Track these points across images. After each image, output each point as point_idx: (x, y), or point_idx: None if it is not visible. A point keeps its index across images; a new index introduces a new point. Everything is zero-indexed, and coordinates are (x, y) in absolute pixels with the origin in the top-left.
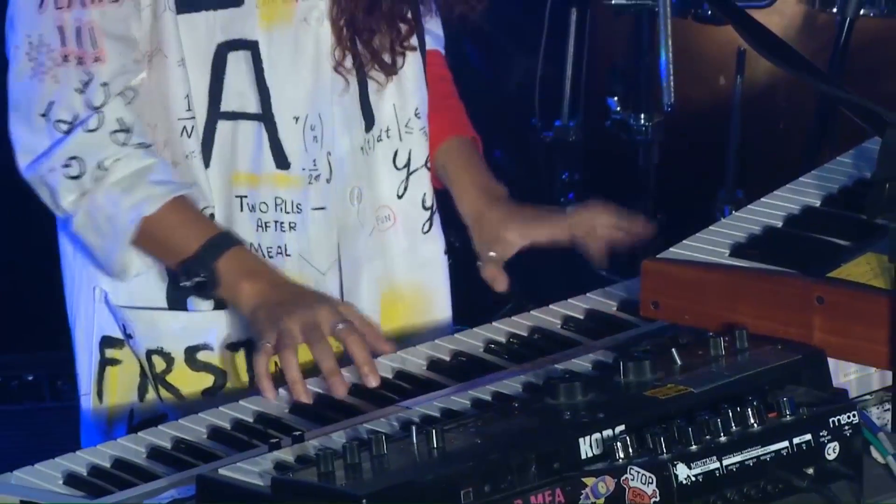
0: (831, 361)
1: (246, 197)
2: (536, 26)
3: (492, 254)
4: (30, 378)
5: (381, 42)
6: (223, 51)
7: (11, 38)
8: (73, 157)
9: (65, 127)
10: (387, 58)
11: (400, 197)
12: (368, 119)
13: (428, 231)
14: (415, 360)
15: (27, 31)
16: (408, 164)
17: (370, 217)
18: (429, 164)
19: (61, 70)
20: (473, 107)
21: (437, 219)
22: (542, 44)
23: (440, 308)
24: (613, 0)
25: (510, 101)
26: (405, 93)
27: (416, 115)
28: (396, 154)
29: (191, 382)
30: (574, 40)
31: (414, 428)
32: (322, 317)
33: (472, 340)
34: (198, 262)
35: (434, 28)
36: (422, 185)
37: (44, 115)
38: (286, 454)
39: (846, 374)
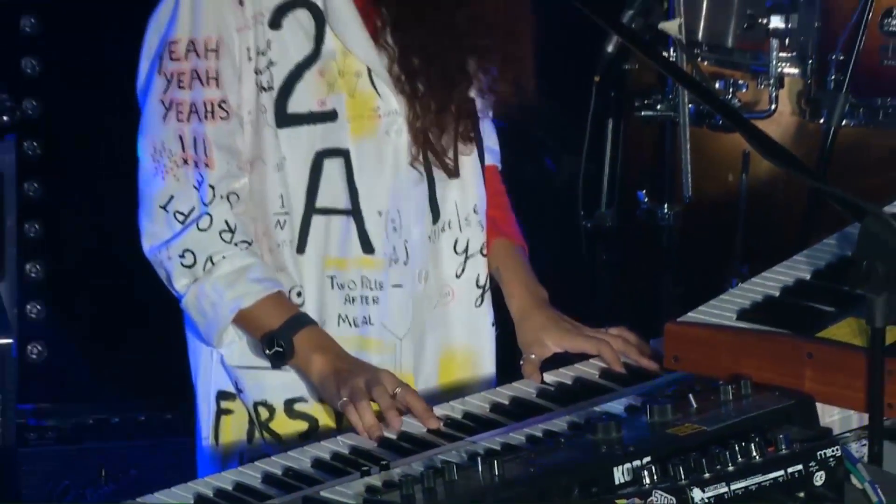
0: (819, 405)
1: (336, 277)
2: (580, 133)
3: (532, 356)
4: (168, 416)
5: (447, 143)
6: (320, 157)
7: (140, 142)
8: (188, 250)
9: (181, 218)
10: (450, 160)
11: (458, 277)
12: (435, 213)
13: (480, 305)
14: (480, 403)
15: (153, 137)
16: (466, 250)
17: (435, 293)
18: (484, 251)
19: (181, 170)
20: (528, 200)
21: (488, 296)
22: (584, 147)
23: (486, 366)
24: (643, 112)
25: (559, 194)
26: (466, 192)
27: (474, 210)
28: (457, 242)
29: (289, 428)
30: (611, 144)
31: (479, 458)
32: (382, 379)
33: (527, 388)
34: (278, 336)
35: (492, 144)
36: (476, 267)
37: (163, 207)
38: (375, 480)
39: (831, 416)
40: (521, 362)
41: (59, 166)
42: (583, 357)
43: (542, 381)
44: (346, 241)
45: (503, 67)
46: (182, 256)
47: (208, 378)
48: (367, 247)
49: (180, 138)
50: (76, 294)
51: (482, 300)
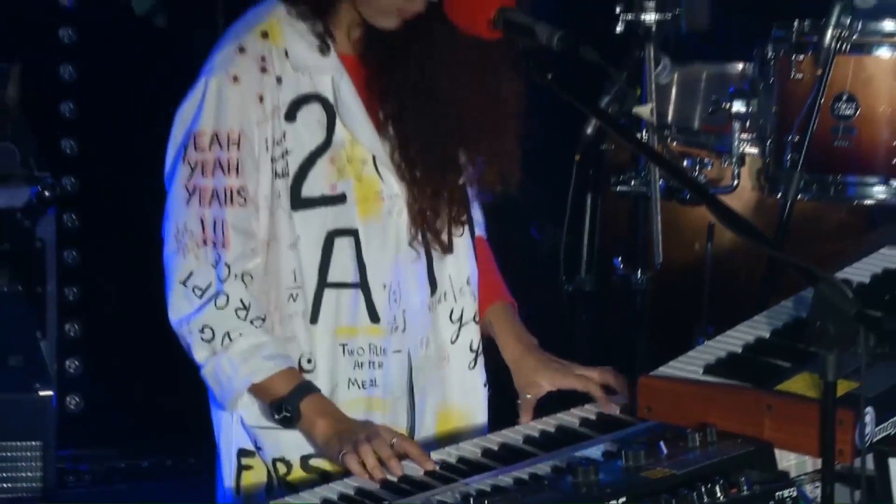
0: (777, 451)
1: (347, 344)
2: (562, 206)
3: (528, 396)
4: (192, 461)
5: (441, 224)
6: (332, 236)
7: (166, 224)
8: (207, 326)
9: (199, 293)
10: (444, 238)
11: (453, 343)
12: (433, 286)
13: (473, 368)
14: (472, 449)
15: (176, 219)
16: (460, 319)
17: (435, 357)
18: (476, 319)
19: (200, 250)
20: (515, 266)
21: (481, 359)
22: (566, 218)
23: (479, 420)
24: (618, 188)
25: (543, 260)
26: (459, 266)
27: (466, 282)
28: (452, 311)
29: (305, 481)
30: (589, 216)
31: (471, 499)
32: (381, 432)
33: (514, 435)
34: (286, 402)
35: (477, 216)
36: (469, 334)
37: (183, 283)
38: None
39: (788, 461)
40: (518, 402)
41: (95, 236)
42: (578, 399)
43: (531, 424)
44: (356, 312)
45: (490, 160)
46: (202, 331)
47: (230, 437)
48: (374, 317)
49: (201, 221)
50: (110, 351)
51: (475, 363)
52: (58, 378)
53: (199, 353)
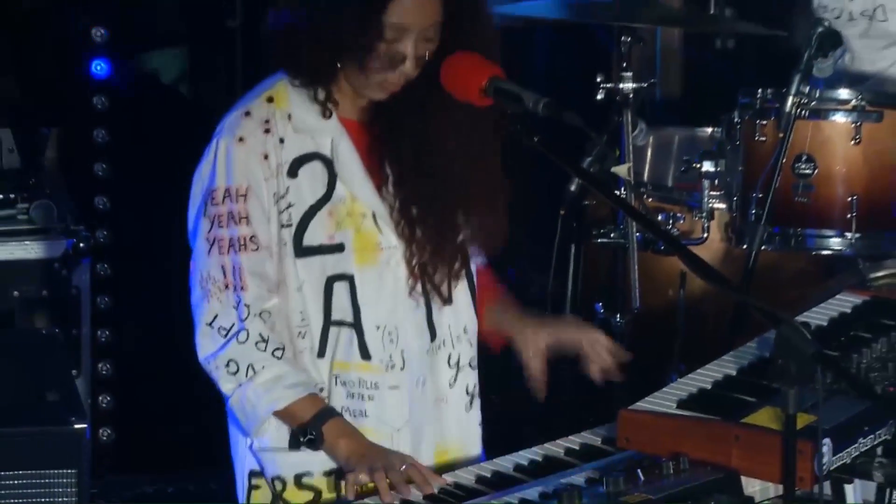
0: (743, 478)
1: (339, 376)
2: (549, 255)
3: (531, 355)
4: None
5: (440, 278)
6: (331, 281)
7: (192, 274)
8: (232, 360)
9: (224, 332)
10: (444, 290)
11: (451, 386)
12: (432, 332)
13: (469, 410)
14: (467, 476)
15: (201, 268)
16: (458, 363)
17: (432, 396)
18: (472, 364)
19: (223, 294)
20: None
21: (477, 402)
22: (552, 267)
23: (474, 454)
24: (599, 239)
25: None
26: (458, 316)
27: (464, 330)
28: (450, 357)
29: (299, 498)
30: (573, 265)
31: None
32: (395, 459)
33: (506, 463)
34: (310, 426)
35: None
36: (466, 378)
37: (209, 325)
38: None
39: (753, 487)
40: (526, 375)
41: (125, 284)
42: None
43: (520, 454)
44: (349, 349)
45: (483, 222)
46: (227, 366)
47: (243, 461)
48: (365, 354)
49: (222, 268)
50: (139, 388)
51: (471, 406)
52: (91, 412)
53: (226, 386)
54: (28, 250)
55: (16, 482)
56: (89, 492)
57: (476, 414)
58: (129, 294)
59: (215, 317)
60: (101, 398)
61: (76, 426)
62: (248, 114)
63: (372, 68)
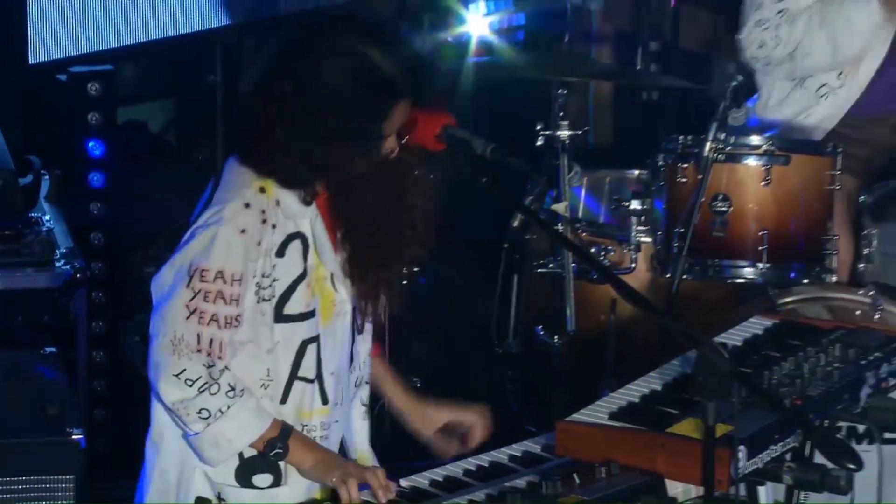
0: (667, 482)
1: (306, 425)
2: (494, 284)
3: (428, 433)
4: None
5: (368, 306)
6: (304, 344)
7: (157, 323)
8: (203, 409)
9: (191, 383)
10: (365, 323)
11: (352, 401)
12: (352, 362)
13: (364, 419)
14: (421, 480)
15: (174, 328)
16: (358, 383)
17: (347, 416)
18: (366, 381)
19: (194, 355)
20: (458, 333)
21: (367, 412)
22: (497, 294)
23: (371, 463)
24: (539, 269)
25: (479, 328)
26: (365, 343)
27: (368, 354)
28: (358, 378)
29: None
30: (516, 292)
31: None
32: (354, 469)
33: (456, 469)
34: (277, 440)
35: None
36: (364, 392)
37: (176, 376)
38: None
39: (676, 489)
40: (432, 442)
41: (118, 312)
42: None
43: (469, 460)
44: (313, 400)
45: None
46: (199, 413)
47: (189, 486)
48: (325, 400)
49: (198, 336)
50: (130, 403)
51: (366, 416)
52: (87, 424)
53: (194, 427)
54: (31, 281)
55: (20, 486)
56: (85, 495)
57: (367, 423)
58: (120, 321)
59: (183, 370)
60: (96, 412)
61: (74, 436)
62: (248, 206)
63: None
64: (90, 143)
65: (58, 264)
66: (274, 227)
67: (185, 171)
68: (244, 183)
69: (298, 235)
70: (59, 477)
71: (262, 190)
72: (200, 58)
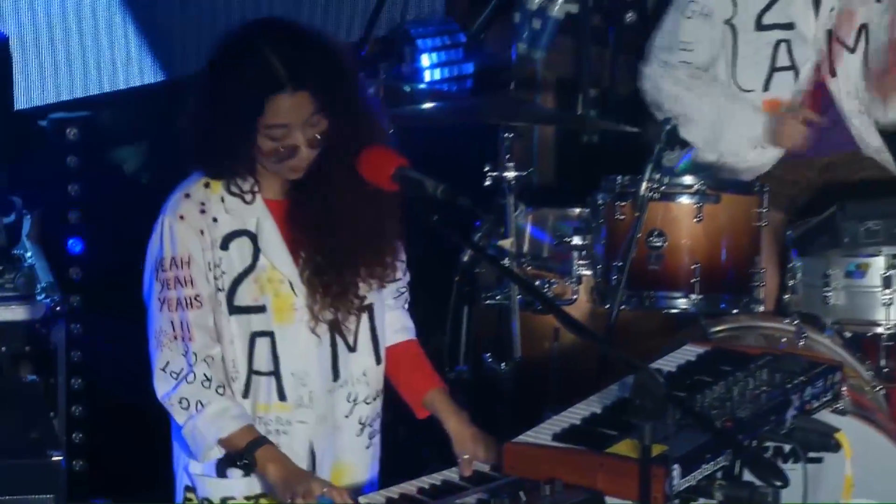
0: (608, 498)
1: (262, 417)
2: (446, 315)
3: (466, 457)
4: None
5: (346, 330)
6: (255, 337)
7: (149, 328)
8: (183, 398)
9: (175, 375)
10: (350, 340)
11: (347, 417)
12: (336, 374)
13: (360, 435)
14: (378, 498)
15: (154, 324)
16: (354, 400)
17: (331, 426)
18: (367, 401)
19: (173, 344)
20: None
21: (368, 429)
22: (448, 324)
23: (362, 475)
24: (487, 301)
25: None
26: (359, 362)
27: (363, 374)
28: (349, 394)
29: None
30: (466, 322)
31: None
32: (314, 484)
33: (411, 487)
34: (245, 452)
35: (408, 324)
36: (360, 411)
37: (163, 370)
38: None
39: None
40: (460, 461)
41: (95, 340)
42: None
43: (423, 479)
44: (269, 393)
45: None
46: (180, 402)
47: (181, 478)
48: (282, 396)
49: (171, 323)
50: (106, 427)
51: (362, 433)
52: (66, 447)
53: (180, 418)
54: (14, 313)
55: None
56: None
57: (364, 440)
58: (97, 349)
59: (167, 363)
60: (74, 435)
61: (54, 458)
62: (187, 196)
63: (272, 163)
64: (69, 185)
65: (39, 298)
66: (216, 220)
67: (157, 210)
68: (193, 180)
69: (246, 233)
70: (40, 497)
71: (207, 185)
72: (171, 104)
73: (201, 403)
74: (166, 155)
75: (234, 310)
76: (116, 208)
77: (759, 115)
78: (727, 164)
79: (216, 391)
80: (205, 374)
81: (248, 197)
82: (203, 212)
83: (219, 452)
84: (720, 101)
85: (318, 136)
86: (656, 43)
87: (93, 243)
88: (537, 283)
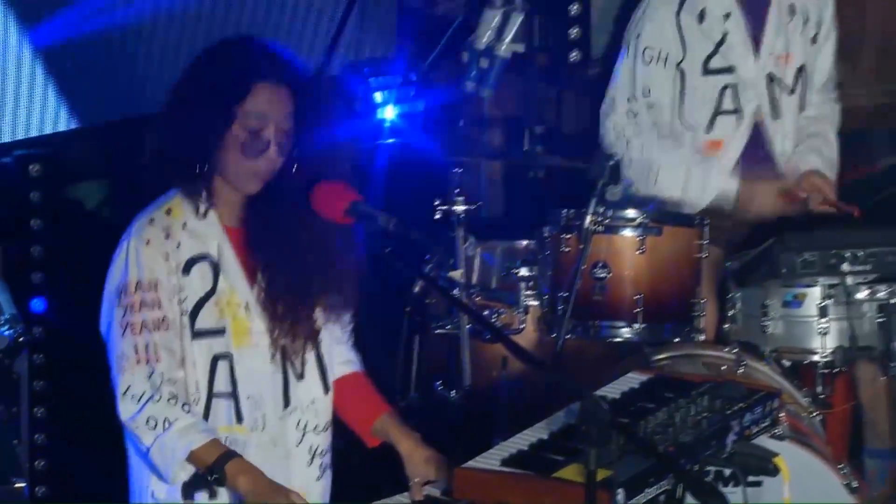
0: None
1: (226, 438)
2: (398, 344)
3: (417, 480)
4: None
5: (296, 357)
6: (216, 359)
7: (109, 354)
8: (151, 417)
9: (136, 399)
10: (298, 367)
11: (297, 445)
12: (286, 401)
13: (310, 465)
14: None
15: (116, 350)
16: (304, 428)
17: (283, 452)
18: (316, 430)
19: (136, 368)
20: None
21: (318, 460)
22: (400, 354)
23: (315, 502)
24: (437, 331)
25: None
26: (308, 391)
27: (312, 402)
28: (299, 422)
29: None
30: (417, 351)
31: None
32: (295, 496)
33: None
34: (215, 466)
35: (353, 357)
36: (310, 440)
37: (125, 394)
38: None
39: None
40: (411, 484)
41: (57, 371)
42: None
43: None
44: (228, 414)
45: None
46: (147, 423)
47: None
48: (240, 418)
49: (134, 347)
50: (67, 455)
51: (312, 463)
52: (29, 474)
53: (147, 438)
54: None
55: None
56: None
57: (315, 469)
58: (60, 379)
59: (129, 387)
60: (37, 462)
61: (16, 485)
62: (152, 221)
63: (242, 156)
64: (32, 220)
65: (2, 329)
66: (179, 245)
67: (112, 246)
68: (156, 205)
69: (206, 258)
70: None
71: (169, 212)
72: (131, 142)
73: (168, 421)
74: (125, 190)
75: (196, 333)
76: (78, 242)
77: (731, 176)
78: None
79: (182, 408)
80: (171, 393)
81: (208, 217)
82: (167, 237)
83: (185, 475)
84: (685, 151)
85: (286, 143)
86: (616, 93)
87: (55, 276)
88: (486, 312)
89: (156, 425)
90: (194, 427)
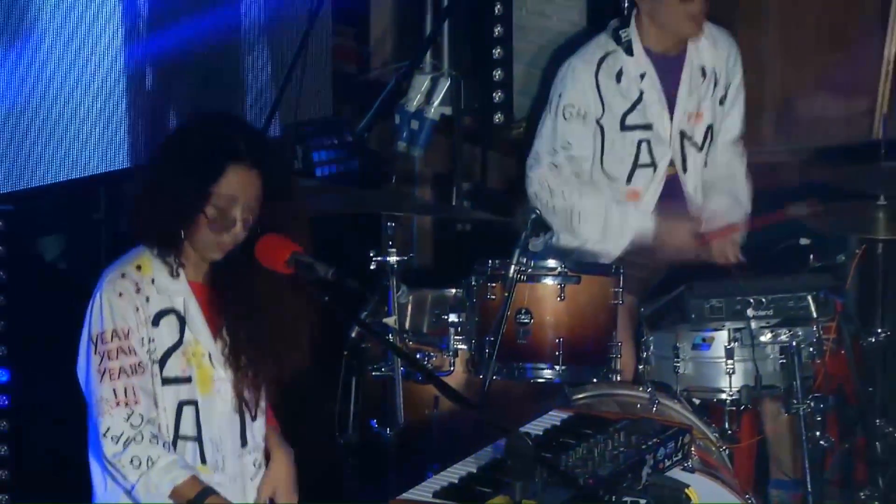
0: None
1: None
2: (336, 386)
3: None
4: None
5: (253, 401)
6: (182, 405)
7: (88, 399)
8: (135, 457)
9: (116, 439)
10: (254, 410)
11: (252, 480)
12: (244, 441)
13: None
14: None
15: (95, 395)
16: (259, 465)
17: (241, 489)
18: (263, 466)
19: (114, 411)
20: (310, 425)
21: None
22: (338, 394)
23: None
24: (374, 373)
25: (324, 422)
26: (261, 428)
27: (263, 439)
28: (255, 460)
29: None
30: (354, 392)
31: None
32: None
33: None
34: (195, 501)
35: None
36: (260, 474)
37: (104, 435)
38: None
39: None
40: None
41: (21, 413)
42: None
43: None
44: (194, 457)
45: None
46: (131, 462)
47: None
48: (203, 460)
49: (113, 391)
50: (32, 492)
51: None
52: None
53: (132, 476)
54: None
55: None
56: None
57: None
58: (22, 397)
59: (108, 429)
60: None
61: None
62: (123, 275)
63: (209, 231)
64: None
65: None
66: (148, 299)
67: (71, 294)
68: (126, 261)
69: (173, 311)
70: None
71: (139, 268)
72: (88, 199)
73: (151, 459)
74: (81, 244)
75: (165, 381)
76: (38, 293)
77: (647, 218)
78: (588, 249)
79: (163, 447)
80: (152, 433)
81: (176, 274)
82: (137, 291)
83: None
84: (605, 196)
85: (250, 220)
86: (541, 148)
87: (17, 324)
88: (418, 356)
89: (140, 464)
90: (175, 464)
